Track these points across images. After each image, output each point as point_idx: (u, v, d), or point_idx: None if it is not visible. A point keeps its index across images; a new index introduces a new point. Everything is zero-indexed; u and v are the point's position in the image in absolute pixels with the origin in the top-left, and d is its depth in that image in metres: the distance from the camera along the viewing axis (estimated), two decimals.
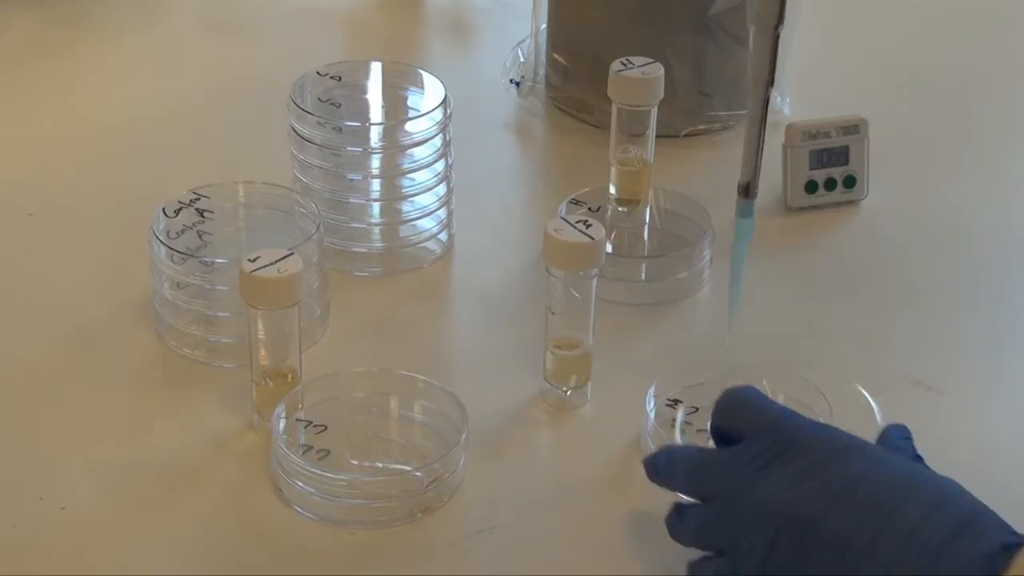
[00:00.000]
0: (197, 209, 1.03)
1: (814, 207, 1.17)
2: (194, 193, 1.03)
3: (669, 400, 0.94)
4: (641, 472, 0.86)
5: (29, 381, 0.98)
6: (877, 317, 1.07)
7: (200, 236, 1.03)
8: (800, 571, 0.75)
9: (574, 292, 0.94)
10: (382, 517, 0.88)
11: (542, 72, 1.30)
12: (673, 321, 1.06)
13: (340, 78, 1.11)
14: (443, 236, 1.11)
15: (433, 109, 1.07)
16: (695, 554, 0.82)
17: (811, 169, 1.17)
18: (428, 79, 1.12)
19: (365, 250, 1.09)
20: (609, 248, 1.05)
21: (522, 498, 0.90)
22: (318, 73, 1.10)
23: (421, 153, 1.07)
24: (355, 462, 0.91)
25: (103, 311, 1.04)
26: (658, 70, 1.07)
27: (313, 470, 0.87)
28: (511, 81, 1.31)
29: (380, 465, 0.92)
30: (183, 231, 1.02)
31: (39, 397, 0.97)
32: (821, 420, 0.86)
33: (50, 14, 1.40)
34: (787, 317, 1.06)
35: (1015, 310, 1.09)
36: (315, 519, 0.88)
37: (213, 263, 0.98)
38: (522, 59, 1.31)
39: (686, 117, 1.24)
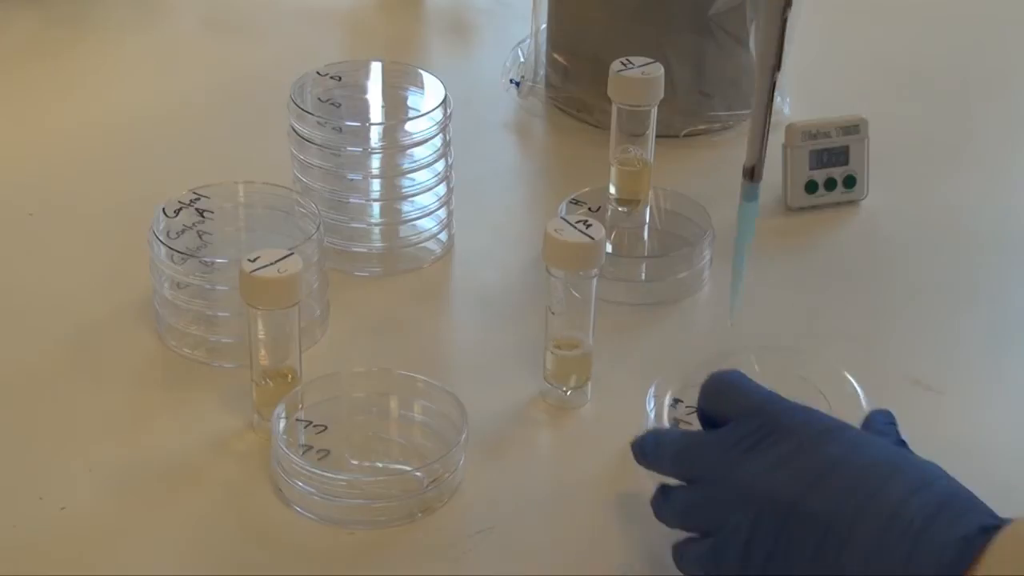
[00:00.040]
0: (197, 209, 1.03)
1: (814, 207, 1.17)
2: (194, 193, 1.03)
3: (669, 400, 0.94)
4: (642, 472, 0.86)
5: (29, 381, 0.98)
6: (877, 317, 1.07)
7: (200, 236, 1.03)
8: (783, 553, 0.76)
9: (574, 292, 0.94)
10: (382, 517, 0.88)
11: (542, 72, 1.30)
12: (673, 321, 1.06)
13: (340, 78, 1.11)
14: (443, 236, 1.11)
15: (433, 109, 1.07)
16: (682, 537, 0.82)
17: (811, 169, 1.17)
18: (428, 79, 1.12)
19: (365, 250, 1.09)
20: (609, 248, 1.05)
21: (522, 498, 0.90)
22: (318, 73, 1.10)
23: (421, 153, 1.07)
24: (355, 462, 0.91)
25: (103, 311, 1.04)
26: (658, 70, 1.07)
27: (313, 470, 0.87)
28: (511, 81, 1.31)
29: (380, 465, 0.92)
30: (183, 231, 1.02)
31: (39, 397, 0.97)
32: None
33: (50, 14, 1.40)
34: (787, 317, 1.06)
35: (1015, 310, 1.09)
36: (315, 519, 0.88)
37: (213, 263, 0.98)
38: (522, 59, 1.31)
39: (686, 117, 1.24)
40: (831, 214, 1.17)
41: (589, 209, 1.10)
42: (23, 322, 1.03)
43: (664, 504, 0.83)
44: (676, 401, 0.94)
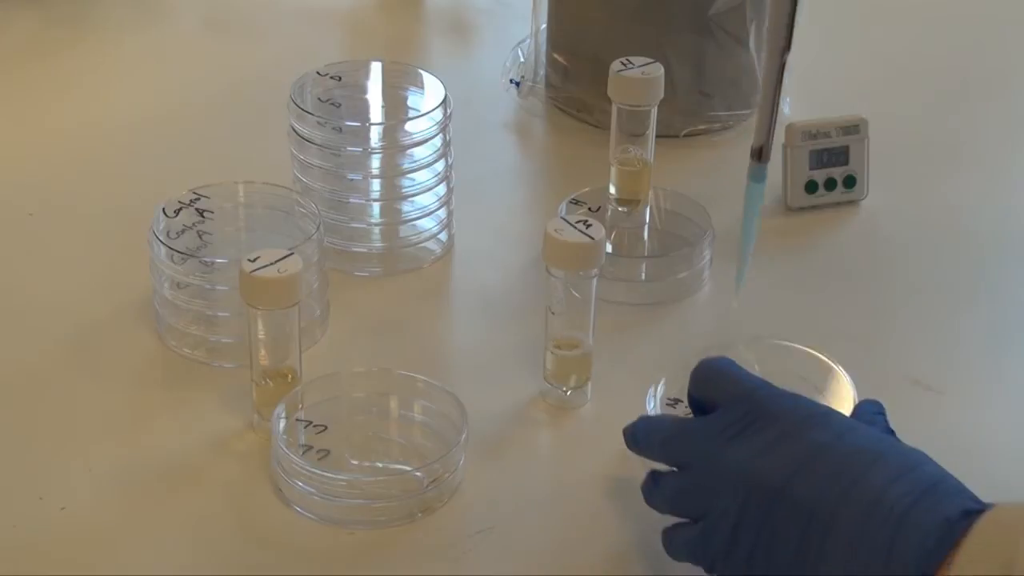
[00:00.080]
0: (197, 209, 1.03)
1: (814, 207, 1.17)
2: (194, 193, 1.03)
3: (669, 400, 0.94)
4: (641, 472, 0.86)
5: (29, 381, 0.98)
6: (877, 317, 1.07)
7: (200, 236, 1.03)
8: (769, 538, 0.76)
9: (574, 292, 0.94)
10: (382, 517, 0.88)
11: (542, 72, 1.30)
12: (673, 321, 1.06)
13: (340, 78, 1.11)
14: (443, 236, 1.11)
15: (433, 109, 1.07)
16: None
17: (811, 169, 1.17)
18: (428, 79, 1.12)
19: (365, 250, 1.09)
20: (609, 248, 1.05)
21: (522, 498, 0.90)
22: (318, 73, 1.10)
23: (421, 153, 1.07)
24: (355, 462, 0.91)
25: (103, 311, 1.04)
26: (658, 70, 1.07)
27: (313, 470, 0.87)
28: (511, 81, 1.31)
29: (380, 465, 0.92)
30: (183, 231, 1.02)
31: (39, 397, 0.97)
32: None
33: (50, 14, 1.40)
34: (787, 317, 1.06)
35: (1015, 310, 1.09)
36: (315, 519, 0.88)
37: (213, 263, 0.98)
38: (522, 59, 1.31)
39: (686, 117, 1.24)
40: (831, 214, 1.17)
41: (589, 209, 1.10)
42: (23, 322, 1.03)
43: (654, 490, 0.83)
44: (676, 401, 0.94)
